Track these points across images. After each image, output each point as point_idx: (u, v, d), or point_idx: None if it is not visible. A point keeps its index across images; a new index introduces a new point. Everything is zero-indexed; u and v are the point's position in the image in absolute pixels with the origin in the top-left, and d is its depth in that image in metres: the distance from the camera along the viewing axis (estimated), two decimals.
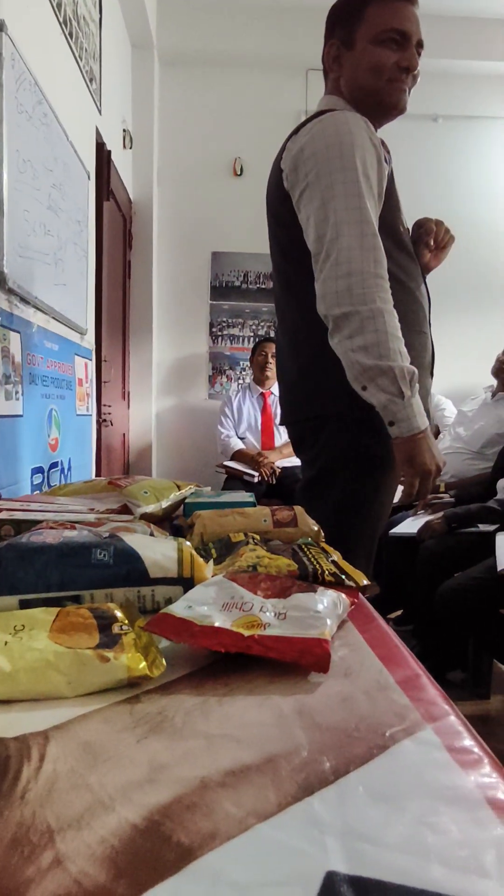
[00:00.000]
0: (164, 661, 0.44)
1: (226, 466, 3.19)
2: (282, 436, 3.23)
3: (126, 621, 0.47)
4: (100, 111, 2.74)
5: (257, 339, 3.64)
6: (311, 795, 0.30)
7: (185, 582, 0.57)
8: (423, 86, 1.16)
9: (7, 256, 1.62)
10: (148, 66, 3.56)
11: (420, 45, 1.11)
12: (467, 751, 0.34)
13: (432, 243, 1.27)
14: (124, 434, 3.58)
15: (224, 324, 3.86)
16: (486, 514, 2.08)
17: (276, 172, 1.15)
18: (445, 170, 3.83)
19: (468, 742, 0.35)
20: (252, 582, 0.55)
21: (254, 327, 3.87)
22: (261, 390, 3.36)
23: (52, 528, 0.66)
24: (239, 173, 3.73)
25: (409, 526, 2.28)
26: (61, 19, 2.13)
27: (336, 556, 0.70)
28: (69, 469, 2.30)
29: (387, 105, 1.13)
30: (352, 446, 1.13)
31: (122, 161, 3.24)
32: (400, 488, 1.14)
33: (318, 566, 0.63)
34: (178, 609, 0.49)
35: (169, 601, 0.55)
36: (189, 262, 3.78)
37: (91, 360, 2.68)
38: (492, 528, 2.04)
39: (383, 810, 0.29)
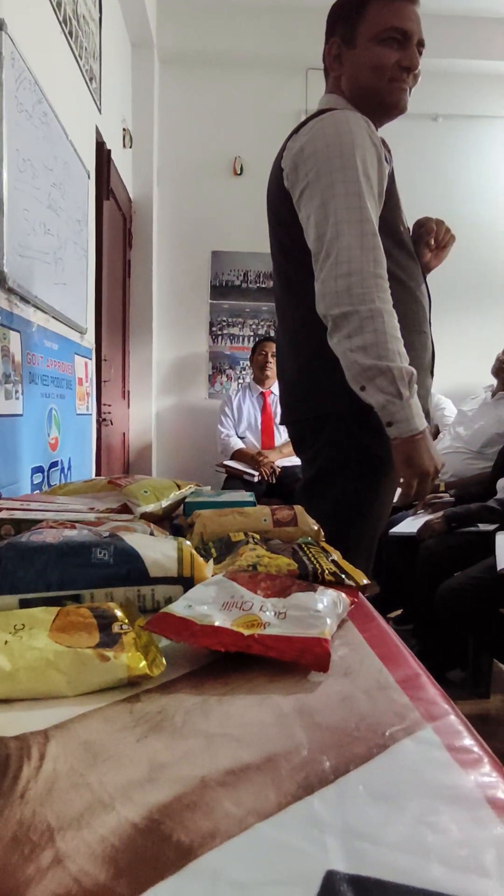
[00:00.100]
0: (163, 661, 0.44)
1: (226, 466, 3.19)
2: (282, 435, 3.23)
3: (126, 620, 0.47)
4: (100, 110, 2.74)
5: (257, 339, 3.64)
6: (311, 794, 0.30)
7: (185, 581, 0.57)
8: (423, 85, 1.16)
9: (7, 256, 1.62)
10: (148, 65, 3.55)
11: (421, 44, 1.11)
12: (467, 750, 0.34)
13: (433, 243, 1.26)
14: (124, 433, 3.58)
15: (224, 323, 3.86)
16: (486, 514, 2.09)
17: (277, 171, 1.15)
18: (445, 169, 3.83)
19: (468, 741, 0.35)
20: (252, 581, 0.55)
21: (254, 327, 3.87)
22: (261, 389, 3.36)
23: (52, 527, 0.66)
24: (239, 173, 3.72)
25: (409, 525, 2.28)
26: (61, 18, 2.13)
27: (336, 555, 0.70)
28: (69, 468, 2.29)
29: (388, 104, 1.13)
30: (352, 446, 1.13)
31: (121, 160, 3.23)
32: (398, 489, 1.14)
33: (318, 565, 0.63)
34: (178, 608, 0.49)
35: (169, 600, 0.55)
36: (189, 262, 3.78)
37: (91, 359, 2.67)
38: (492, 527, 2.04)
39: (383, 809, 0.29)
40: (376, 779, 0.32)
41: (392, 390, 1.01)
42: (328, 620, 0.49)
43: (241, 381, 3.83)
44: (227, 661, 0.45)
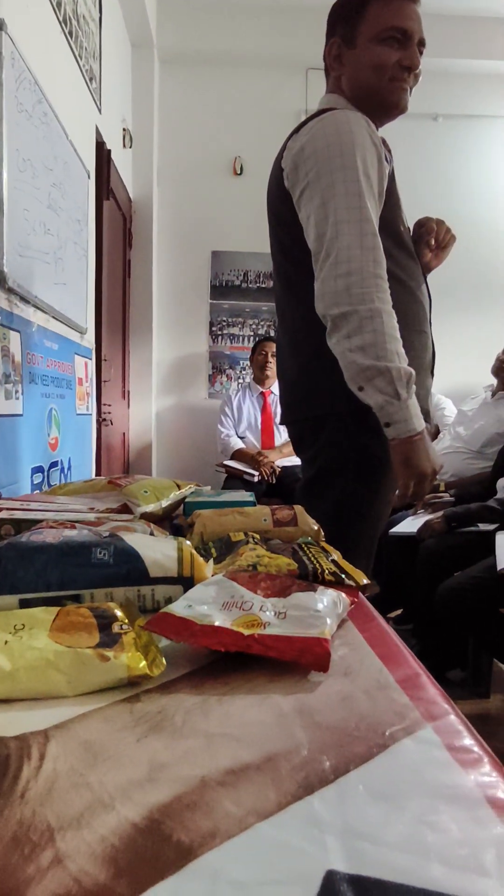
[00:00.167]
0: (163, 661, 0.44)
1: (226, 466, 3.19)
2: (282, 435, 3.23)
3: (126, 620, 0.47)
4: (100, 110, 2.74)
5: (257, 339, 3.64)
6: (311, 794, 0.30)
7: (185, 581, 0.57)
8: (423, 85, 1.16)
9: (7, 255, 1.62)
10: (148, 65, 3.55)
11: (422, 43, 1.11)
12: (467, 750, 0.34)
13: (433, 243, 1.26)
14: (124, 433, 3.58)
15: (224, 323, 3.86)
16: (486, 514, 2.09)
17: (277, 171, 1.15)
18: (445, 169, 3.83)
19: (468, 741, 0.35)
20: (252, 581, 0.55)
21: (254, 326, 3.87)
22: (261, 389, 3.36)
23: (52, 527, 0.66)
24: (239, 172, 3.72)
25: (409, 525, 2.28)
26: (61, 18, 2.13)
27: (336, 555, 0.70)
28: (69, 468, 2.29)
29: (388, 104, 1.13)
30: (352, 446, 1.13)
31: (121, 160, 3.23)
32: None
33: (317, 565, 0.63)
34: (178, 608, 0.49)
35: (169, 600, 0.55)
36: (189, 262, 3.78)
37: (91, 359, 2.67)
38: (491, 527, 2.04)
39: (383, 809, 0.29)
40: (376, 778, 0.32)
41: (390, 391, 1.00)
42: (328, 620, 0.49)
43: (241, 380, 3.83)
44: (227, 661, 0.45)
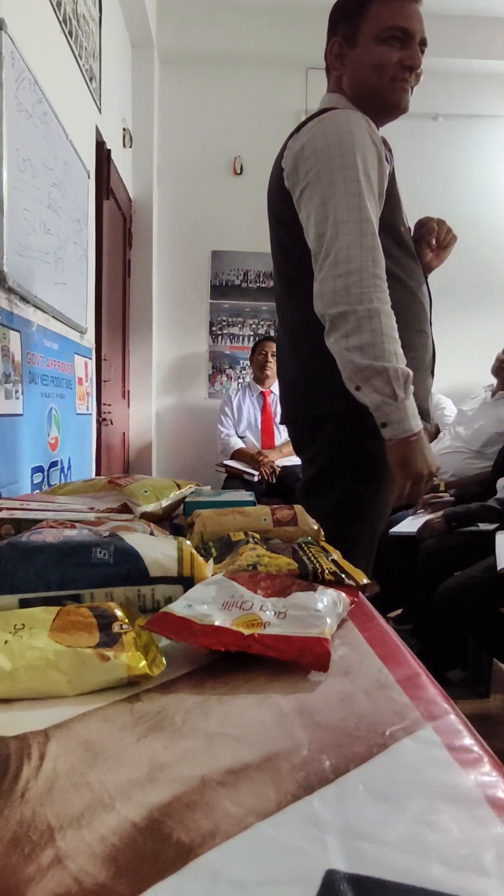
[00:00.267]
0: (163, 660, 0.44)
1: (226, 465, 3.19)
2: (282, 435, 3.23)
3: (126, 620, 0.47)
4: (100, 110, 2.74)
5: (257, 338, 3.64)
6: (311, 794, 0.30)
7: (185, 581, 0.57)
8: (423, 84, 1.16)
9: (7, 255, 1.62)
10: (148, 65, 3.55)
11: (423, 43, 1.11)
12: (467, 749, 0.34)
13: (434, 243, 1.26)
14: (124, 433, 3.58)
15: (224, 323, 3.86)
16: (486, 513, 2.09)
17: (277, 171, 1.15)
18: (446, 169, 3.83)
19: (468, 741, 0.35)
20: (252, 581, 0.55)
21: (254, 326, 3.87)
22: (261, 389, 3.36)
23: (52, 527, 0.66)
24: (239, 172, 3.72)
25: (409, 525, 2.28)
26: (61, 18, 2.13)
27: (336, 555, 0.70)
28: (69, 468, 2.29)
29: (389, 104, 1.13)
30: (351, 446, 1.13)
31: (121, 160, 3.23)
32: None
33: (317, 565, 0.63)
34: (178, 608, 0.49)
35: (169, 600, 0.55)
36: (189, 261, 3.78)
37: (91, 358, 2.67)
38: (491, 527, 2.04)
39: (383, 809, 0.29)
40: (376, 778, 0.32)
41: (387, 391, 1.00)
42: (328, 620, 0.49)
43: (241, 380, 3.83)
44: (227, 661, 0.45)
